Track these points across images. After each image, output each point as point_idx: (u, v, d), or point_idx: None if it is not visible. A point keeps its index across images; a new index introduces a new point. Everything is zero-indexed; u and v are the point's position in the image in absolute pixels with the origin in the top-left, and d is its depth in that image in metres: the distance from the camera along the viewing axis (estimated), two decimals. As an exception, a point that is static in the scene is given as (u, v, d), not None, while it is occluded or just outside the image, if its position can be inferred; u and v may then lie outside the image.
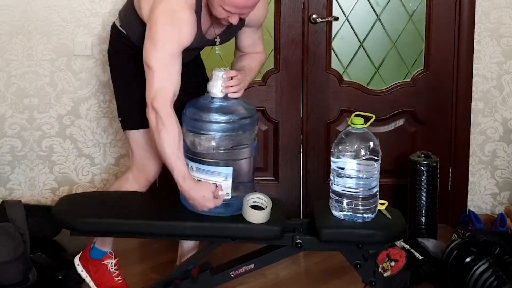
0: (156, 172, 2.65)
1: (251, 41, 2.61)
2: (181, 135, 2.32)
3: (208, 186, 2.32)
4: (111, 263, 2.69)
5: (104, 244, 2.70)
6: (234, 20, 2.32)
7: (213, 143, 2.31)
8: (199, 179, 2.35)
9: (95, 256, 2.70)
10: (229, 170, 2.33)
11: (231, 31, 2.53)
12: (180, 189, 2.35)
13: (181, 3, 2.32)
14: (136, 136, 2.60)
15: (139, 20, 2.47)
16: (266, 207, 2.31)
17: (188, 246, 2.72)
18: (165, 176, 2.65)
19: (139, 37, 2.46)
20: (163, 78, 2.30)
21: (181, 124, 2.37)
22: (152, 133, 2.33)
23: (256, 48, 2.66)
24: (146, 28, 2.37)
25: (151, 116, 2.31)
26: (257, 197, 2.33)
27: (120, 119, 2.67)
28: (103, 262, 2.69)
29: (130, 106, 2.57)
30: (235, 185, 2.35)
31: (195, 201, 2.33)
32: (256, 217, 2.29)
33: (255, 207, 2.31)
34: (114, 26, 2.66)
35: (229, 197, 2.35)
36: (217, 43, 2.51)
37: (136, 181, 2.65)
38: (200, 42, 2.45)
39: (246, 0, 2.27)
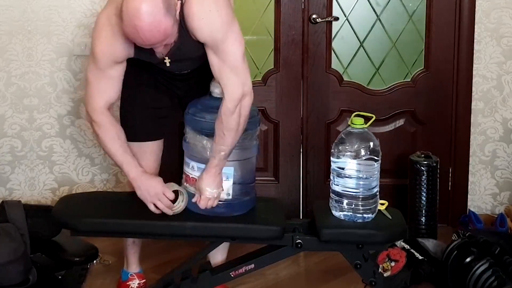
0: None
1: (217, 72, 2.27)
2: (120, 133, 2.41)
3: (156, 183, 2.38)
4: (135, 284, 2.78)
5: (129, 266, 2.80)
6: (159, 50, 2.18)
7: (210, 145, 2.31)
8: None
9: (123, 278, 2.82)
10: (230, 170, 2.34)
11: (182, 52, 2.28)
12: (131, 182, 2.42)
13: (117, 18, 2.18)
14: (131, 147, 2.58)
15: None
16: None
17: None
18: (165, 176, 2.65)
19: None
20: (93, 89, 2.39)
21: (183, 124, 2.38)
22: (95, 136, 2.44)
23: (225, 89, 2.25)
24: None
25: (88, 120, 2.46)
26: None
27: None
28: (127, 283, 2.79)
29: (129, 118, 2.57)
30: (236, 185, 2.35)
31: (142, 195, 2.38)
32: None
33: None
34: None
35: (230, 197, 2.36)
36: (167, 64, 2.32)
37: (130, 187, 2.67)
38: (149, 58, 2.31)
39: (146, 39, 2.08)
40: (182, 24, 2.20)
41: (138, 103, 2.54)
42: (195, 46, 2.26)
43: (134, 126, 2.52)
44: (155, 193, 2.36)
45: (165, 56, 2.27)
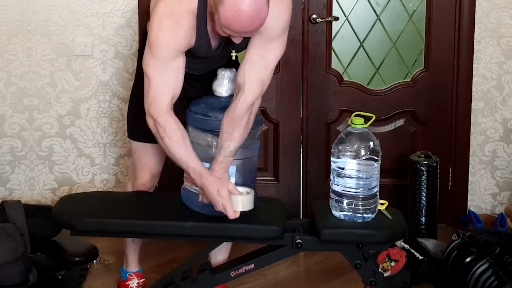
0: (146, 181, 2.61)
1: (248, 66, 2.27)
2: (185, 135, 2.27)
3: (224, 182, 2.26)
4: (134, 283, 2.78)
5: (129, 265, 2.79)
6: (237, 40, 2.16)
7: (216, 142, 2.31)
8: None
9: (122, 277, 2.81)
10: (233, 169, 2.34)
11: (222, 49, 2.33)
12: (200, 186, 2.29)
13: (180, 7, 2.19)
14: (133, 145, 2.62)
15: None
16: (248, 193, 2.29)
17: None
18: (165, 176, 2.66)
19: None
20: (157, 85, 2.23)
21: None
22: (156, 138, 2.28)
23: (249, 83, 2.26)
24: None
25: (150, 123, 2.26)
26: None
27: (127, 124, 2.67)
28: (127, 283, 2.79)
29: (135, 115, 2.55)
30: (238, 185, 2.35)
31: (210, 196, 2.26)
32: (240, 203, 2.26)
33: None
34: (146, 26, 2.49)
35: None
36: (233, 57, 2.35)
37: (130, 185, 2.71)
38: (207, 51, 2.30)
39: (243, 26, 2.07)
40: None
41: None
42: (243, 42, 2.24)
43: (140, 126, 2.50)
44: (224, 194, 2.25)
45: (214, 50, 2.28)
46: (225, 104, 2.34)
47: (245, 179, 2.39)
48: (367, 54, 3.56)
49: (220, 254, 2.66)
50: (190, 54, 2.28)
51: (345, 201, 2.29)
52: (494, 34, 3.51)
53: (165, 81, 2.23)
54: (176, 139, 2.24)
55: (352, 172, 2.26)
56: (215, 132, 2.31)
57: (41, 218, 2.95)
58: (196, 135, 2.36)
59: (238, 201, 2.25)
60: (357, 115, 2.32)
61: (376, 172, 2.29)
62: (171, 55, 2.21)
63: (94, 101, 3.55)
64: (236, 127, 2.27)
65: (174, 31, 2.19)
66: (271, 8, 2.12)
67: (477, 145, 3.60)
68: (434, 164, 3.31)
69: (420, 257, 3.02)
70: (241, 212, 2.26)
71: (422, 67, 3.56)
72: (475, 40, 3.50)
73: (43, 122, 3.56)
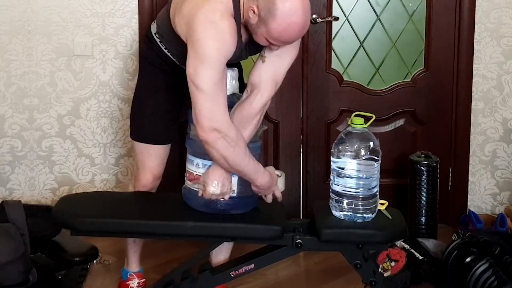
0: (148, 182, 2.61)
1: (270, 72, 2.32)
2: (245, 142, 2.29)
3: (269, 170, 2.36)
4: (134, 283, 2.79)
5: (129, 265, 2.80)
6: (276, 48, 2.23)
7: None
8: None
9: (123, 277, 2.82)
10: None
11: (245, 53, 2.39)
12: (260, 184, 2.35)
13: (218, 11, 2.17)
14: (136, 146, 2.62)
15: (174, 33, 2.34)
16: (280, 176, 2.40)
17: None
18: (165, 176, 2.65)
19: (173, 50, 2.41)
20: (216, 97, 2.17)
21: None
22: (221, 153, 2.21)
23: (266, 85, 2.31)
24: (186, 45, 2.23)
25: (213, 139, 2.17)
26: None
27: (130, 124, 2.67)
28: (127, 283, 2.80)
29: (139, 117, 2.56)
30: (240, 183, 2.35)
31: (266, 186, 2.36)
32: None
33: None
34: (149, 29, 2.53)
35: (235, 194, 2.36)
36: (263, 61, 2.36)
37: (131, 186, 2.72)
38: (239, 56, 2.34)
39: (293, 37, 2.18)
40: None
41: (150, 104, 2.52)
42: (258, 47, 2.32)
43: (142, 127, 2.52)
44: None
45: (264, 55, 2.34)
46: (228, 102, 2.34)
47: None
48: (367, 54, 3.56)
49: (221, 254, 2.66)
50: None
51: (345, 201, 2.29)
52: (494, 34, 3.51)
53: (222, 92, 2.20)
54: (243, 149, 2.24)
55: (352, 172, 2.26)
56: None
57: (41, 218, 2.95)
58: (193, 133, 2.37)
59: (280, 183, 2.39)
60: (357, 115, 2.32)
61: (376, 172, 2.29)
62: (223, 63, 2.19)
63: (94, 101, 3.55)
64: (248, 126, 2.30)
65: (221, 38, 2.17)
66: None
67: (477, 145, 3.60)
68: (434, 164, 3.31)
69: (420, 257, 3.02)
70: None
71: (422, 67, 3.56)
72: (475, 40, 3.50)
73: (43, 122, 3.56)
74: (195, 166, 2.36)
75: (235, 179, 2.34)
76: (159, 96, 2.52)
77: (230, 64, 2.41)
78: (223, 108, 2.18)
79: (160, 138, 2.56)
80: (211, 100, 2.16)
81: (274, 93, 2.37)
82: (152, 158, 2.57)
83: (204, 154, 2.32)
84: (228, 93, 2.36)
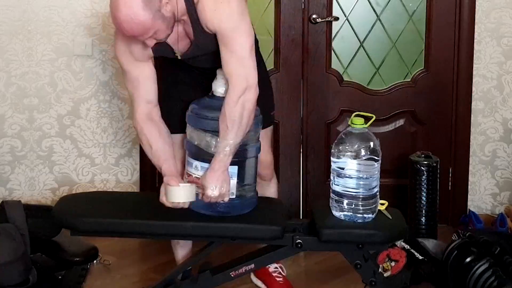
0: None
1: (224, 62, 2.31)
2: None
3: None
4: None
5: None
6: (148, 42, 2.25)
7: (215, 142, 2.31)
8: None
9: None
10: (234, 169, 2.34)
11: (201, 48, 2.37)
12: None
13: None
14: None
15: None
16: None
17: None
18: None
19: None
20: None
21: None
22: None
23: (230, 79, 2.30)
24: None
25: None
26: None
27: None
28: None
29: (161, 109, 2.56)
30: (239, 185, 2.35)
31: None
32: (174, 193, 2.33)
33: None
34: None
35: (234, 196, 2.36)
36: (179, 57, 2.40)
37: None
38: (164, 53, 2.41)
39: (124, 31, 2.21)
40: (197, 21, 2.27)
41: (172, 97, 2.56)
42: (212, 41, 2.31)
43: (167, 118, 2.52)
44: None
45: (184, 52, 2.37)
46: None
47: (246, 179, 2.40)
48: (367, 54, 3.56)
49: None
50: None
51: (345, 201, 2.29)
52: (494, 34, 3.51)
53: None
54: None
55: (352, 172, 2.27)
56: (215, 132, 2.31)
57: (41, 218, 2.95)
58: (196, 135, 2.37)
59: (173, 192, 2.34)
60: (357, 115, 2.32)
61: (376, 172, 2.29)
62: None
63: (94, 101, 3.55)
64: (229, 123, 2.27)
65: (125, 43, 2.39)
66: (212, 10, 2.23)
67: (477, 145, 3.60)
68: (434, 164, 3.30)
69: (420, 257, 3.02)
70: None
71: (422, 67, 3.56)
72: (475, 40, 3.50)
73: (43, 122, 3.56)
74: (194, 169, 2.37)
75: (234, 182, 2.34)
76: (180, 89, 2.56)
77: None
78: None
79: (180, 127, 2.52)
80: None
81: (245, 87, 2.28)
82: (177, 148, 2.55)
83: (203, 156, 2.32)
84: (225, 95, 2.35)
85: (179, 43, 2.35)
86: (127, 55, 2.38)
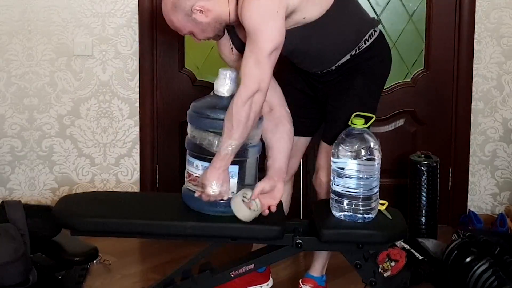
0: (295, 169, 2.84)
1: (243, 60, 2.34)
2: None
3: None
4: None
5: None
6: (194, 39, 2.41)
7: (217, 141, 2.31)
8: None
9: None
10: (235, 168, 2.33)
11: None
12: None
13: None
14: None
15: None
16: (254, 210, 2.30)
17: None
18: (165, 175, 2.66)
19: None
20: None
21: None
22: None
23: (244, 78, 2.31)
24: None
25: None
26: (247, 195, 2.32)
27: None
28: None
29: None
30: (239, 185, 2.35)
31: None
32: (243, 214, 2.28)
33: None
34: None
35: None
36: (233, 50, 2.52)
37: None
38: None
39: (167, 22, 2.39)
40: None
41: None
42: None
43: None
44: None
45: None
46: (227, 104, 2.34)
47: (246, 179, 2.39)
48: (367, 54, 3.55)
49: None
50: None
51: (345, 201, 2.29)
52: (494, 34, 3.51)
53: None
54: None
55: (352, 172, 2.26)
56: (217, 132, 2.31)
57: (41, 218, 2.95)
58: (198, 134, 2.36)
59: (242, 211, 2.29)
60: (357, 115, 2.32)
61: (376, 172, 2.29)
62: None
63: (94, 101, 3.55)
64: (235, 122, 2.26)
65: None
66: (245, 6, 2.24)
67: (477, 145, 3.60)
68: (434, 164, 3.31)
69: (420, 257, 3.02)
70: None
71: (422, 67, 3.56)
72: (475, 40, 3.50)
73: (43, 122, 3.56)
74: (195, 168, 2.36)
75: (234, 181, 2.34)
76: (289, 93, 2.57)
77: None
78: None
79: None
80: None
81: (256, 88, 2.27)
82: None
83: (204, 155, 2.32)
84: (227, 94, 2.35)
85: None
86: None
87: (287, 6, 2.29)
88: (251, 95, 2.25)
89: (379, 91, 2.63)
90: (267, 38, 2.25)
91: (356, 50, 2.49)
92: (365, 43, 2.50)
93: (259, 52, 2.25)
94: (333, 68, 2.53)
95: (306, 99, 2.68)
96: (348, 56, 2.50)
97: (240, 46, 2.43)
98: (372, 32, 2.51)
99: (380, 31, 2.57)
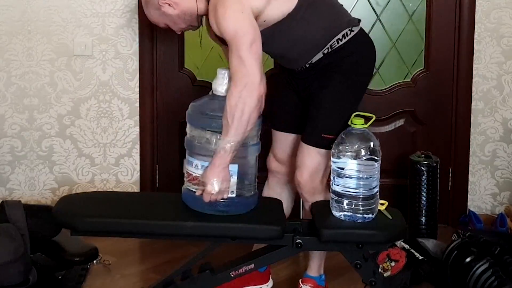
0: (269, 164, 2.82)
1: (229, 59, 2.41)
2: None
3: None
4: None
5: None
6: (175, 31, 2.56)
7: (215, 139, 2.31)
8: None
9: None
10: (235, 167, 2.33)
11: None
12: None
13: None
14: None
15: None
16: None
17: None
18: (165, 175, 2.66)
19: None
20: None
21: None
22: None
23: (232, 75, 2.36)
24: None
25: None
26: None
27: None
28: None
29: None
30: (239, 184, 2.35)
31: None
32: None
33: None
34: None
35: (234, 195, 2.35)
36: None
37: None
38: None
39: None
40: None
41: (275, 99, 2.72)
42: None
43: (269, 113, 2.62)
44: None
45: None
46: (225, 103, 2.34)
47: (246, 178, 2.40)
48: (367, 54, 3.55)
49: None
50: None
51: (345, 201, 2.29)
52: (494, 34, 3.51)
53: None
54: None
55: (352, 172, 2.26)
56: (215, 131, 2.31)
57: (41, 218, 2.94)
58: (196, 133, 2.37)
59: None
60: (357, 115, 2.32)
61: (376, 172, 2.29)
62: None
63: (94, 101, 3.55)
64: (230, 118, 2.28)
65: None
66: (212, 13, 2.37)
67: (477, 145, 3.60)
68: (434, 164, 3.31)
69: (420, 257, 3.02)
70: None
71: (422, 67, 3.56)
72: (475, 40, 3.50)
73: (43, 122, 3.56)
74: (194, 168, 2.36)
75: (234, 180, 2.34)
76: (277, 91, 2.72)
77: None
78: None
79: (277, 123, 2.75)
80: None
81: (244, 84, 2.30)
82: (274, 143, 2.78)
83: (203, 154, 2.32)
84: (226, 94, 2.36)
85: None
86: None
87: (252, 9, 2.36)
88: (241, 89, 2.29)
89: (358, 88, 2.60)
90: (241, 34, 2.32)
91: (328, 48, 2.50)
92: (338, 42, 2.51)
93: (239, 49, 2.31)
94: (307, 65, 2.55)
95: (295, 97, 2.70)
96: (320, 55, 2.51)
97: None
98: (347, 32, 2.52)
99: (361, 30, 2.58)
